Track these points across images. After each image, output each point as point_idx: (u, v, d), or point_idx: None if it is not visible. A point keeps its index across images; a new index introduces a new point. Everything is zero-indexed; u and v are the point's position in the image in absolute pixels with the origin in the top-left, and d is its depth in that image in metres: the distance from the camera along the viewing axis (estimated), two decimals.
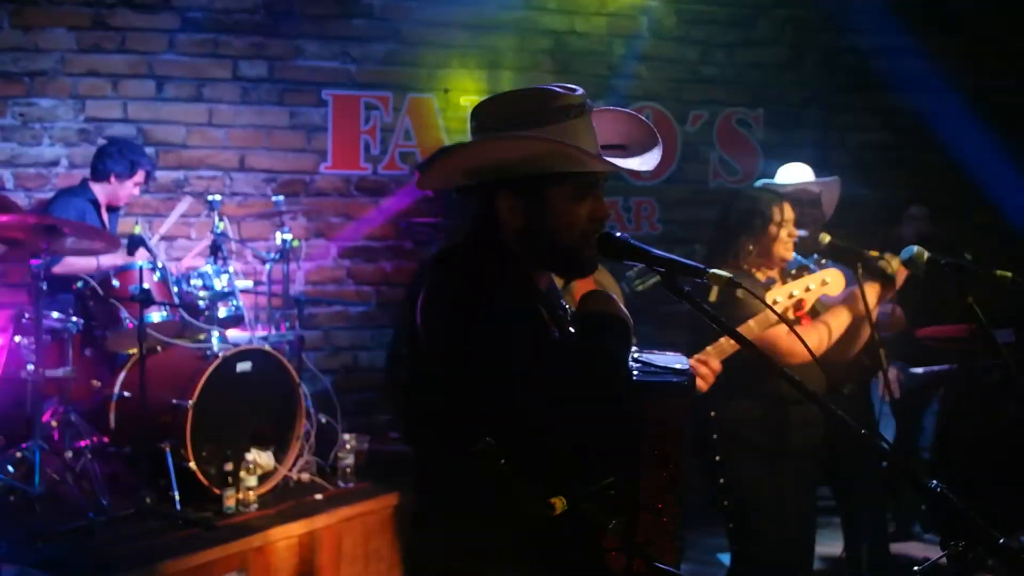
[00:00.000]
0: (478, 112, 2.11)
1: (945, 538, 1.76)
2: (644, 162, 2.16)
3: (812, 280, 3.69)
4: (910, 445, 6.13)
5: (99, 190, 5.60)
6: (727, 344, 3.44)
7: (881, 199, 6.72)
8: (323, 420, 5.49)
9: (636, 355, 2.21)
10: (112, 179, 5.57)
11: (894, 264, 3.85)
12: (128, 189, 5.65)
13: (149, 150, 6.12)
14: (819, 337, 3.87)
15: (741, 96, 7.43)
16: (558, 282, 2.50)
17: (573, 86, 2.08)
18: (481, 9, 6.85)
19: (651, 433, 2.03)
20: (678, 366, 2.15)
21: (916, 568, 1.90)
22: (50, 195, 5.87)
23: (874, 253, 3.95)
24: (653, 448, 2.02)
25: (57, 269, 5.20)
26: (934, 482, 1.78)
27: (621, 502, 1.92)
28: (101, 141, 6.01)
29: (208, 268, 5.30)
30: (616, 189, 7.16)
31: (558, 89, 2.05)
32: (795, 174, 4.74)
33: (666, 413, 2.04)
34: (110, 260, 5.28)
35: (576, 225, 2.07)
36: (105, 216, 5.67)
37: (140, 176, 5.65)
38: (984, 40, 7.58)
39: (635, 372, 2.10)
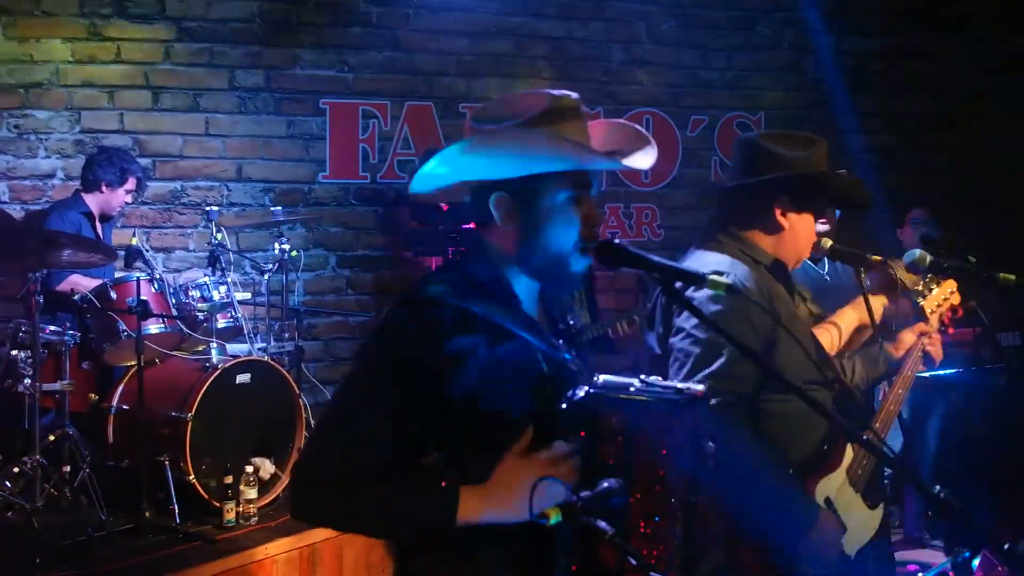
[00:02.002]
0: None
1: (950, 544, 1.73)
2: (638, 160, 2.13)
3: (945, 291, 3.72)
4: (915, 452, 6.08)
5: (92, 201, 5.57)
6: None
7: (884, 202, 6.67)
8: None
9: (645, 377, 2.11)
10: (103, 188, 5.55)
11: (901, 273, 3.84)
12: (120, 197, 5.62)
13: (146, 161, 6.11)
14: (831, 339, 3.86)
15: (742, 100, 7.40)
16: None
17: (567, 91, 2.06)
18: (479, 16, 6.84)
19: (633, 453, 1.94)
20: (681, 385, 1.99)
21: (921, 575, 1.87)
22: (46, 207, 5.85)
23: (877, 258, 3.92)
24: (633, 467, 1.93)
25: (62, 286, 5.18)
26: (938, 488, 1.75)
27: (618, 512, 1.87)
28: None
29: (206, 279, 5.28)
30: (617, 195, 7.13)
31: (551, 92, 2.04)
32: None
33: (636, 431, 1.95)
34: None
35: (569, 229, 2.03)
36: (99, 228, 5.64)
37: (131, 183, 5.62)
38: (985, 41, 7.56)
39: (630, 389, 2.03)
